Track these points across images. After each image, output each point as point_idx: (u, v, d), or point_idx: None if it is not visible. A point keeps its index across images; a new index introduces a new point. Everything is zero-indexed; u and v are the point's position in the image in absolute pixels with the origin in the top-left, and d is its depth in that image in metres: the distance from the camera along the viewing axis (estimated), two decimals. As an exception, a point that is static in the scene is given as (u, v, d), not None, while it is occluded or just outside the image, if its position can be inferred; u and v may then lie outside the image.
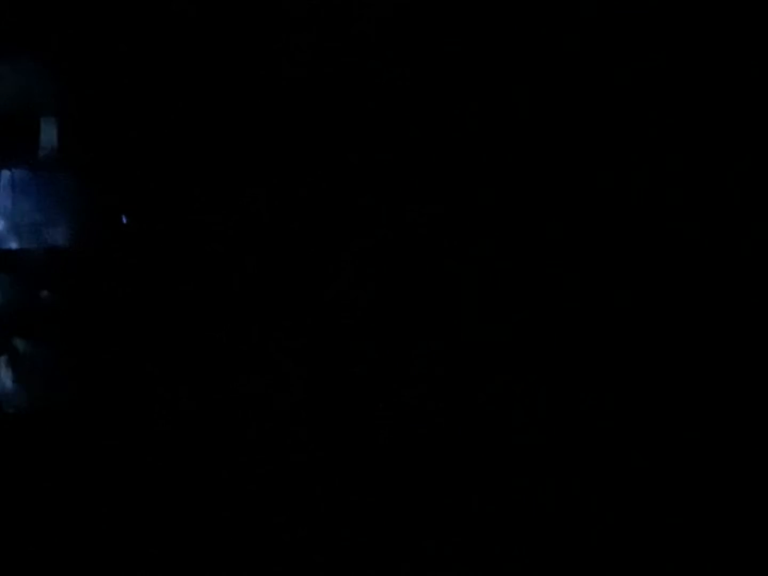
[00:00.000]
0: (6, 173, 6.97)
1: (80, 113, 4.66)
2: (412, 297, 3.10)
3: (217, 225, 3.60)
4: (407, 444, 3.03)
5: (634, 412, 3.04)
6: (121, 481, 3.28)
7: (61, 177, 6.85)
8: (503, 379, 3.02)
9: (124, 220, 4.58)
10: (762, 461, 2.94)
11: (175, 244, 3.85)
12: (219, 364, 3.37)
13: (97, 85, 3.98)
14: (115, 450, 3.44)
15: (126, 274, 4.09)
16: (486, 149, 3.09)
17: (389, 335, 3.10)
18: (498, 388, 3.02)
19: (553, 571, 2.91)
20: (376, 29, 3.13)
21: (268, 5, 3.23)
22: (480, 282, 3.11)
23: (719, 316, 2.96)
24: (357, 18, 3.13)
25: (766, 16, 2.93)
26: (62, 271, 5.11)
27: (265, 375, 3.27)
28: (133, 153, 3.93)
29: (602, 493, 2.97)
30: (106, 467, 3.42)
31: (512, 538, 2.94)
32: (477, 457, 2.99)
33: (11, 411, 4.76)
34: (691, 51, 3.00)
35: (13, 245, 6.73)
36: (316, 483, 3.04)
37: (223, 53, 3.36)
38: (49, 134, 6.58)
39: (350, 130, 3.20)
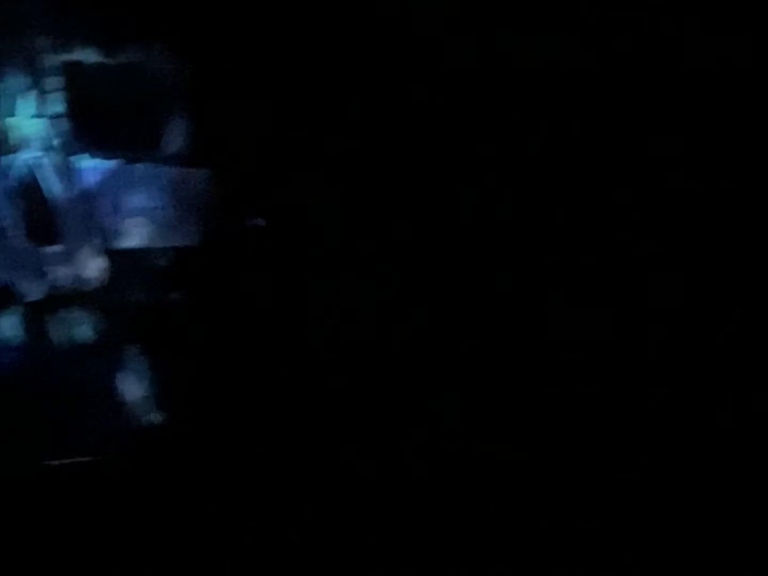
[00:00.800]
0: (138, 168, 6.59)
1: (214, 111, 4.42)
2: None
3: (350, 229, 3.35)
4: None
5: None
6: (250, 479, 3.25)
7: (193, 174, 6.51)
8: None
9: (261, 223, 4.39)
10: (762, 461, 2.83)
11: (303, 246, 3.56)
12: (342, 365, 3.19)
13: (232, 83, 3.75)
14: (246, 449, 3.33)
15: (255, 276, 3.82)
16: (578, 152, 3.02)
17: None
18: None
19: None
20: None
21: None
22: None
23: None
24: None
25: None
26: (190, 272, 4.83)
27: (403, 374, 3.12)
28: (266, 153, 3.71)
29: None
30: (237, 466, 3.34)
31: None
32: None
33: (142, 414, 4.48)
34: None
35: (142, 243, 6.40)
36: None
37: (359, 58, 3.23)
38: (180, 131, 6.28)
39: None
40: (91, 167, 6.38)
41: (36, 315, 6.03)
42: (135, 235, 6.30)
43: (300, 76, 3.54)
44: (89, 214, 6.42)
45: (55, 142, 6.23)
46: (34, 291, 5.99)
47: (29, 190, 6.41)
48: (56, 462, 4.22)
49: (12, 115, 6.10)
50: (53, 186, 5.83)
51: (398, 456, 3.20)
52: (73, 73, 6.04)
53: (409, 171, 3.33)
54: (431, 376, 3.24)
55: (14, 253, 5.98)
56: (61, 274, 6.10)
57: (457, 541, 3.07)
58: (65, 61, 6.09)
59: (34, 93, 6.16)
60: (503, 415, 3.18)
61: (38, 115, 6.23)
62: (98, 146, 6.68)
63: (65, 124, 6.29)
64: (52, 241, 6.28)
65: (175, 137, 6.73)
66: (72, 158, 6.26)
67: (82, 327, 5.88)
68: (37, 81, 6.12)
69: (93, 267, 5.72)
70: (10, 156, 6.36)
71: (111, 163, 6.43)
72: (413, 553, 3.09)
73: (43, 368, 5.70)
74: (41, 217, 6.47)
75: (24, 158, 6.24)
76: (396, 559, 3.11)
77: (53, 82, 6.20)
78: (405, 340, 3.28)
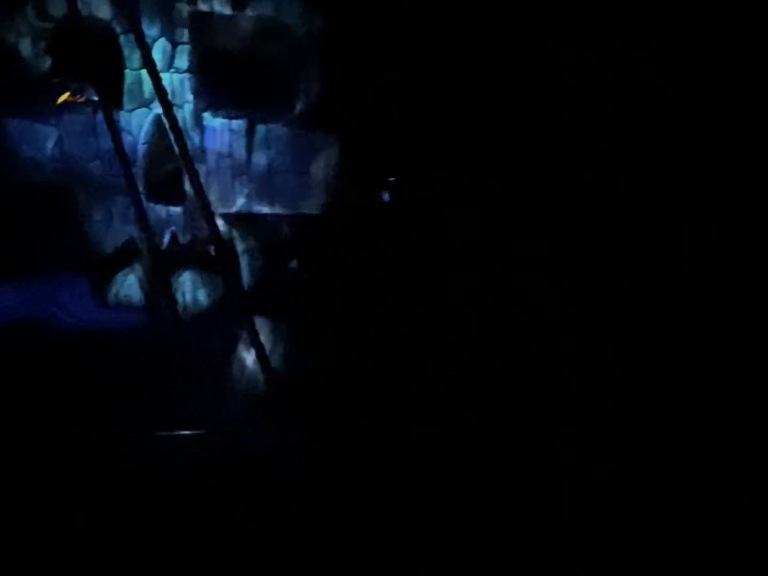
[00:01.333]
0: (265, 129, 6.12)
1: (349, 74, 4.44)
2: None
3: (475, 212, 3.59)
4: None
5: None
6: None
7: (321, 140, 6.02)
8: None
9: (386, 198, 4.16)
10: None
11: (430, 223, 3.82)
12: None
13: (371, 46, 3.85)
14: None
15: (378, 248, 4.03)
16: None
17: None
18: None
19: None
20: None
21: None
22: None
23: None
24: None
25: None
26: (312, 240, 4.85)
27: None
28: (399, 125, 3.90)
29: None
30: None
31: None
32: None
33: (260, 385, 4.34)
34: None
35: (263, 209, 6.02)
36: None
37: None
38: (311, 93, 5.79)
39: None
40: (218, 126, 6.13)
41: (154, 276, 5.89)
42: (256, 199, 6.07)
43: (444, 50, 3.78)
44: (213, 175, 6.20)
45: (184, 97, 6.01)
46: (153, 250, 5.82)
47: (155, 145, 6.21)
48: (164, 432, 4.26)
49: (141, 67, 5.92)
50: (178, 143, 5.62)
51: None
52: (203, 25, 5.82)
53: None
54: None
55: (138, 210, 5.82)
56: (181, 235, 5.89)
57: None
58: (196, 11, 5.83)
59: (163, 45, 5.93)
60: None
61: (168, 69, 6.01)
62: (226, 104, 6.43)
63: (194, 80, 6.07)
64: (175, 201, 6.09)
65: (305, 99, 6.34)
66: (200, 115, 6.00)
67: (198, 291, 5.73)
68: (167, 32, 5.88)
69: (213, 230, 5.52)
70: (139, 110, 6.14)
71: (238, 123, 6.16)
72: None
73: (159, 331, 5.58)
74: (165, 175, 6.26)
75: (151, 113, 6.03)
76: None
77: (183, 34, 5.96)
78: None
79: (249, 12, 5.49)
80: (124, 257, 5.85)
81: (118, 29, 5.58)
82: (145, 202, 5.73)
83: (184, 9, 5.65)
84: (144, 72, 5.67)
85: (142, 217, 5.73)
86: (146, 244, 5.55)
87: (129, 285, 5.73)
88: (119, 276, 5.79)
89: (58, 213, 5.81)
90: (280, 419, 3.82)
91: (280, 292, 4.79)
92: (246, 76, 5.64)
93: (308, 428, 3.80)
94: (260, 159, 5.73)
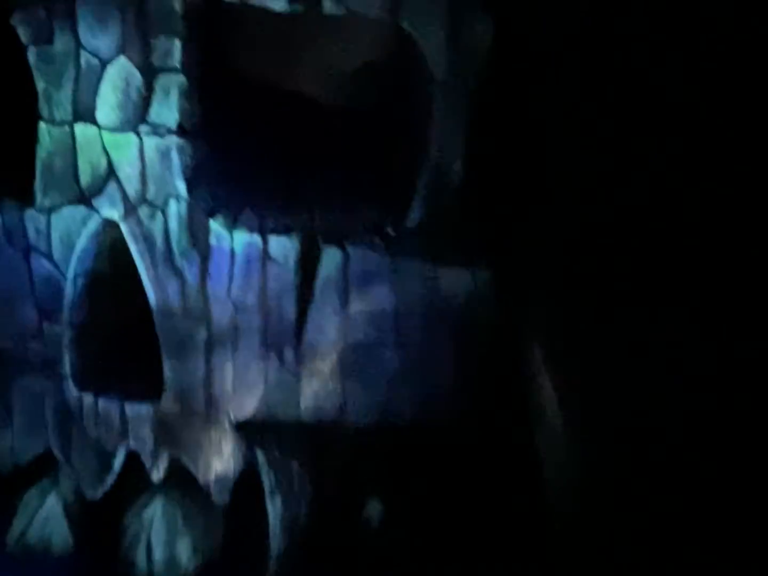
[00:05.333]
0: (331, 256, 3.60)
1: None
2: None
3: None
4: None
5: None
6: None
7: (452, 279, 3.68)
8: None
9: None
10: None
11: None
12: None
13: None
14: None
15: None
16: None
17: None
18: None
19: None
20: None
21: None
22: None
23: None
24: None
25: None
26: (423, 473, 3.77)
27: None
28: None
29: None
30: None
31: None
32: None
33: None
34: None
35: (325, 415, 3.86)
36: None
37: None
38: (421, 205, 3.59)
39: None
40: (236, 245, 3.55)
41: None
42: (320, 398, 3.73)
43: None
44: (225, 346, 3.63)
45: (169, 187, 3.52)
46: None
47: (100, 283, 3.71)
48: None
49: (104, 125, 3.45)
50: (158, 276, 3.49)
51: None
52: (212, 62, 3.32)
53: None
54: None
55: (58, 403, 3.83)
56: (149, 456, 3.88)
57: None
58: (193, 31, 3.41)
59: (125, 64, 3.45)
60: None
61: (135, 125, 3.40)
62: (258, 203, 3.68)
63: (189, 149, 3.52)
64: (138, 394, 3.77)
65: (407, 213, 3.61)
66: (200, 223, 3.56)
67: (178, 542, 4.00)
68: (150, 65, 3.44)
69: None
70: (66, 209, 3.58)
71: (281, 242, 3.52)
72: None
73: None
74: (117, 341, 3.83)
75: (93, 215, 3.62)
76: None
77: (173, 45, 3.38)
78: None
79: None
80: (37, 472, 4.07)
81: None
82: (73, 391, 3.71)
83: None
84: (82, 126, 3.30)
85: (64, 418, 3.79)
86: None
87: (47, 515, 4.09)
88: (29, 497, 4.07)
89: None
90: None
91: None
92: (309, 164, 3.08)
93: None
94: (329, 318, 3.00)
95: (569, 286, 3.54)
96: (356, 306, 3.41)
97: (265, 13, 3.32)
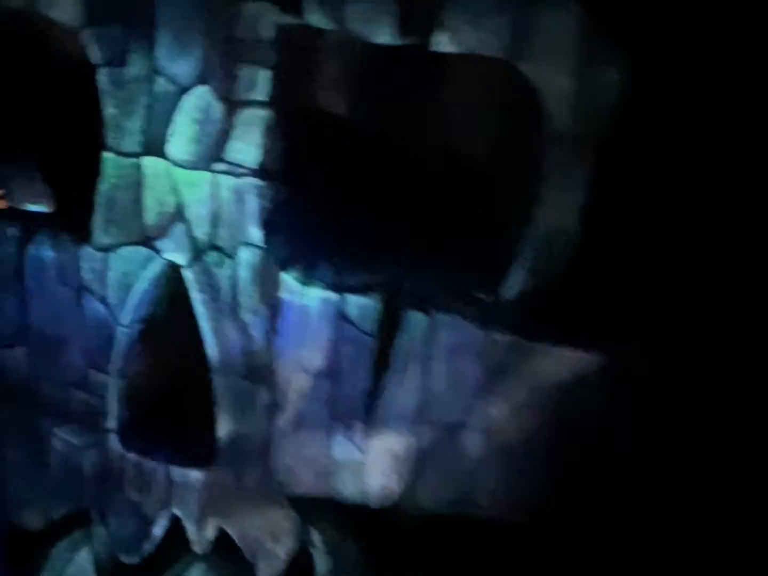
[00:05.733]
0: (417, 321, 3.36)
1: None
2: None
3: None
4: None
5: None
6: None
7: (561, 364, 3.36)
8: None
9: None
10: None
11: None
12: None
13: None
14: None
15: None
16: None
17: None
18: None
19: None
20: None
21: None
22: None
23: None
24: None
25: None
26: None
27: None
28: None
29: None
30: None
31: None
32: None
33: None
34: None
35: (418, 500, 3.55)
36: None
37: None
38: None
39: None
40: (311, 303, 3.27)
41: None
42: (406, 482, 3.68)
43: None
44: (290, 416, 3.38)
45: (240, 232, 3.29)
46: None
47: (155, 331, 3.46)
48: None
49: (176, 159, 3.15)
50: (221, 329, 3.26)
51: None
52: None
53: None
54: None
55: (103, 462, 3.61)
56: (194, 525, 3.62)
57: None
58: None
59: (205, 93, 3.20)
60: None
61: (225, 167, 3.14)
62: (330, 260, 3.40)
63: (273, 197, 3.28)
64: (188, 459, 3.49)
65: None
66: (276, 273, 3.32)
67: None
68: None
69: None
70: (126, 249, 3.36)
71: (362, 303, 3.23)
72: None
73: None
74: (170, 399, 3.60)
75: (154, 258, 3.35)
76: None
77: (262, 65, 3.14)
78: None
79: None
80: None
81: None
82: (117, 448, 3.41)
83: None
84: (152, 160, 3.03)
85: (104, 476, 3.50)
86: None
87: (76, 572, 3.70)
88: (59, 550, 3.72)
89: None
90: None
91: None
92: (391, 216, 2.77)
93: None
94: (407, 390, 2.69)
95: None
96: (439, 380, 3.07)
97: (366, 45, 3.14)
